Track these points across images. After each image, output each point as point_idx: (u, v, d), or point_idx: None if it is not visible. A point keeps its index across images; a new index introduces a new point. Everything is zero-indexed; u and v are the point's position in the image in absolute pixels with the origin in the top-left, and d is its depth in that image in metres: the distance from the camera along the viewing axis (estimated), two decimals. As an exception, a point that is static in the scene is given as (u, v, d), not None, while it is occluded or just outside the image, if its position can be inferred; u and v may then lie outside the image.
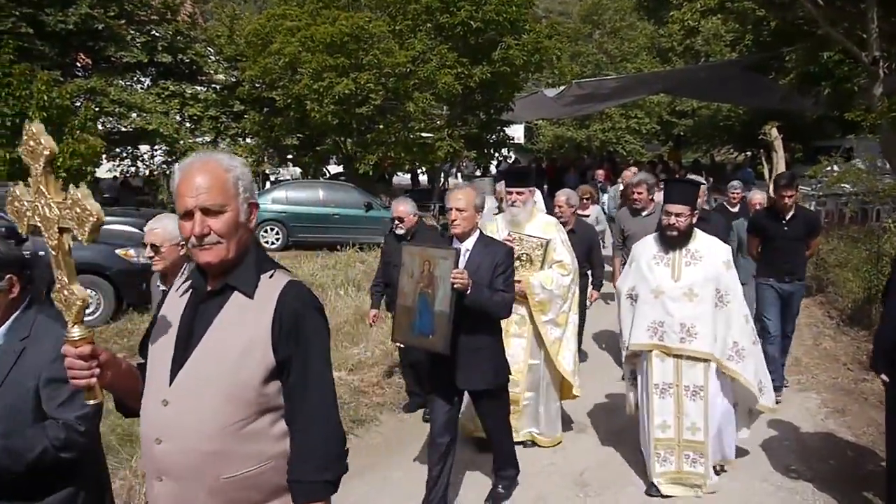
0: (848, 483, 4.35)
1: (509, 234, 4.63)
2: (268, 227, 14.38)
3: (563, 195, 6.12)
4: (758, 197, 7.40)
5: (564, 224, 5.53)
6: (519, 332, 4.64)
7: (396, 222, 5.37)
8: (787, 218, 5.73)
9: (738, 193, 7.74)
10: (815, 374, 6.50)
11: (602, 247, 6.79)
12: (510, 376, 4.09)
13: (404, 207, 5.35)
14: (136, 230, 10.67)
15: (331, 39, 14.78)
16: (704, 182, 6.83)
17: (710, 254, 4.04)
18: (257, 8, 22.62)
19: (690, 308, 3.97)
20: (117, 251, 8.60)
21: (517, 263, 4.38)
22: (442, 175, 20.96)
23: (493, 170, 22.12)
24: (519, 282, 4.31)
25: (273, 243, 14.22)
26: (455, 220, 3.69)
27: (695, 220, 4.05)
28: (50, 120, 12.76)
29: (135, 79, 19.46)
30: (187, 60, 19.62)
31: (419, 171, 23.62)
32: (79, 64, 18.92)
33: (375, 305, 5.73)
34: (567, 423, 5.18)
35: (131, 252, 8.63)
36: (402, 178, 27.44)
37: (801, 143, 24.76)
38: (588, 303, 6.41)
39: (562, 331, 4.68)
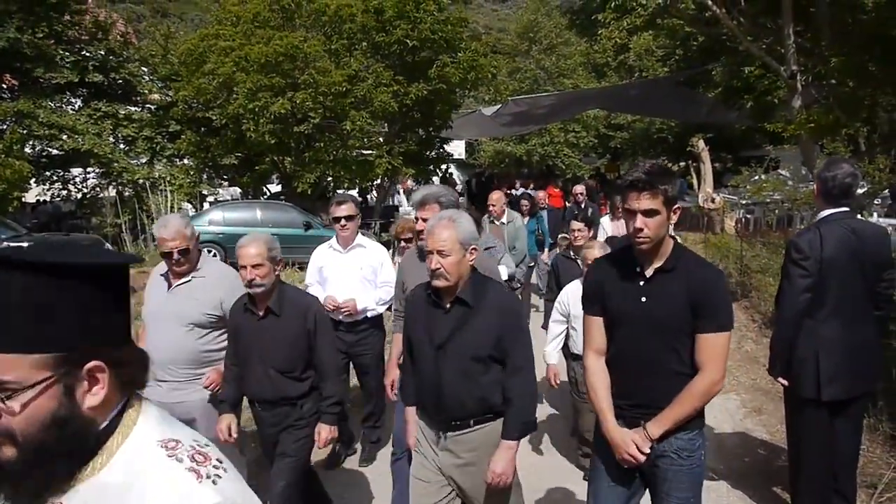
0: (760, 478, 4.57)
1: None
2: (205, 250, 14.07)
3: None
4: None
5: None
6: None
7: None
8: (649, 275, 2.51)
9: None
10: (736, 375, 6.75)
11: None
12: None
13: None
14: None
15: (265, 59, 14.73)
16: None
17: None
18: (193, 27, 22.31)
19: None
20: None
21: None
22: (381, 192, 20.99)
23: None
24: None
25: (211, 265, 13.84)
26: None
27: None
28: (-28, 144, 12.41)
29: (65, 100, 18.97)
30: (120, 80, 19.24)
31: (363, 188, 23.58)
32: (4, 86, 18.37)
33: None
34: None
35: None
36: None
37: (730, 154, 25.72)
38: None
39: None
